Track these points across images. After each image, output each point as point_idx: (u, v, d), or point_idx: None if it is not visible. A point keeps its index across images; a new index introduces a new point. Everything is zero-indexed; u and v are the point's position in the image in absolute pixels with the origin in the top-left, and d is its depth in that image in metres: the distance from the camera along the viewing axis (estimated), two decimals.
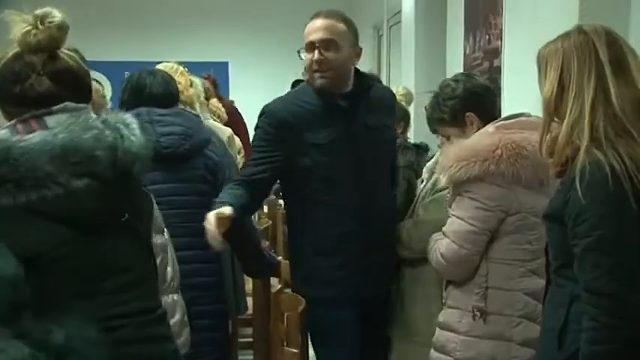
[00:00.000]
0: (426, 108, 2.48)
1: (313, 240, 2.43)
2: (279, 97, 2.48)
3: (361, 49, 2.46)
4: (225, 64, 8.31)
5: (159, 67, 2.97)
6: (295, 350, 2.14)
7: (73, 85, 1.60)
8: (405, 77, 5.53)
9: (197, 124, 2.65)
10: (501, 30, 3.64)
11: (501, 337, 2.17)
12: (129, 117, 1.62)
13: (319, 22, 2.38)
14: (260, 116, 2.41)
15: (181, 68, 3.11)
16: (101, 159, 1.48)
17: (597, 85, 1.61)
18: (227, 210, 2.14)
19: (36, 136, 1.44)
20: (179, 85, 2.88)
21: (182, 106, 2.82)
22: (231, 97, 7.95)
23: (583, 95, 1.61)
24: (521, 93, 2.50)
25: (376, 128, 2.43)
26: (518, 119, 2.23)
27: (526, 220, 2.14)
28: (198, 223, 2.16)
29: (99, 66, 4.40)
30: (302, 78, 4.80)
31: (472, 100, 2.29)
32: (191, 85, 3.19)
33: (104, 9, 7.52)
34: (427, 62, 5.16)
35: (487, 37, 3.89)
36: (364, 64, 8.12)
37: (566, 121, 1.63)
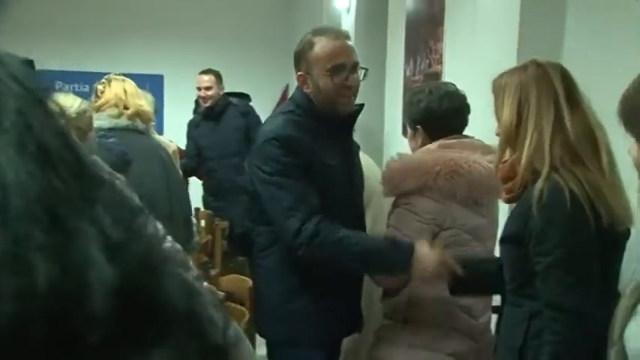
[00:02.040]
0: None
1: (304, 277, 2.25)
2: (277, 124, 2.24)
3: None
4: (161, 77, 8.20)
5: (105, 78, 2.95)
6: None
7: None
8: None
9: None
10: (441, 55, 3.74)
11: (430, 348, 2.23)
12: None
13: (348, 44, 2.27)
14: (269, 143, 2.15)
15: (128, 80, 3.08)
16: None
17: (555, 115, 1.73)
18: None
19: None
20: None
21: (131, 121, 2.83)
22: (166, 111, 7.91)
23: (542, 124, 1.72)
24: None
25: (356, 155, 2.42)
26: (460, 140, 2.31)
27: (459, 236, 2.23)
28: None
29: None
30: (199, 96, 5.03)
31: (426, 117, 2.35)
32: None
33: (39, 18, 7.34)
34: (366, 84, 5.23)
35: (427, 61, 3.98)
36: None
37: (526, 148, 1.72)
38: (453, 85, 2.46)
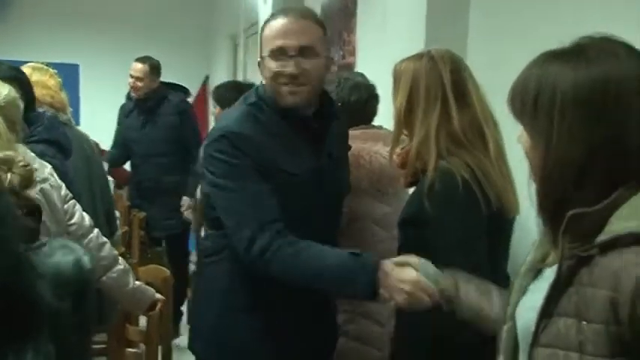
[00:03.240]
0: None
1: (255, 293, 1.93)
2: (233, 118, 1.93)
3: (333, 59, 2.12)
4: (76, 66, 7.95)
5: (26, 67, 2.84)
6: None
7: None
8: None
9: None
10: (354, 47, 3.79)
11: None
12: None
13: (294, 24, 1.86)
14: (218, 141, 1.87)
15: (51, 70, 2.99)
16: None
17: (441, 110, 1.78)
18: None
19: None
20: (48, 90, 2.80)
21: (53, 111, 2.74)
22: (81, 101, 7.68)
23: (429, 119, 1.77)
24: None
25: (340, 160, 2.03)
26: (364, 130, 2.34)
27: (367, 226, 2.26)
28: None
29: None
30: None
31: None
32: (61, 89, 3.07)
33: None
34: None
35: (342, 52, 4.03)
36: (220, 75, 8.11)
37: (415, 140, 1.78)
38: (362, 75, 2.49)
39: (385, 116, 2.35)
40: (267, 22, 1.93)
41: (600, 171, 1.08)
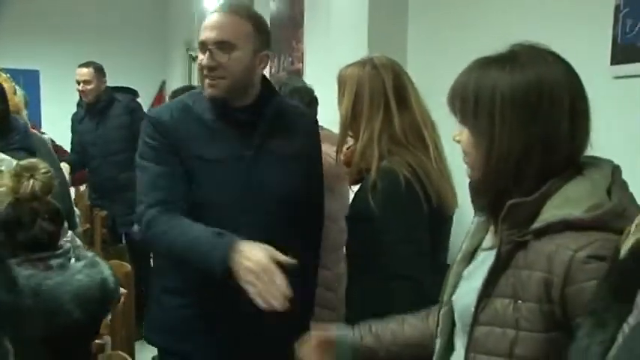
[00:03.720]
0: None
1: (172, 276, 1.89)
2: (164, 104, 2.01)
3: (268, 55, 1.88)
4: (37, 72, 7.76)
5: None
6: None
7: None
8: None
9: None
10: (302, 53, 3.83)
11: None
12: None
13: (215, 18, 1.80)
14: (144, 125, 1.88)
15: (4, 75, 2.94)
16: None
17: (384, 115, 1.80)
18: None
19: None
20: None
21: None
22: (42, 107, 7.49)
23: (373, 123, 1.79)
24: (321, 109, 2.65)
25: (279, 155, 1.87)
26: None
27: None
28: None
29: None
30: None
31: None
32: (14, 93, 3.02)
33: None
34: None
35: (290, 59, 4.06)
36: (176, 80, 7.99)
37: (359, 142, 1.80)
38: (301, 80, 2.49)
39: (327, 117, 2.37)
40: None
41: (536, 165, 1.11)
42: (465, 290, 1.24)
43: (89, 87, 4.44)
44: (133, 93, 4.81)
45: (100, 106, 4.46)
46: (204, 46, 1.78)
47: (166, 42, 8.27)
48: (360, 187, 1.85)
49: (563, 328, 1.07)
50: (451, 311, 1.30)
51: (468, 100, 1.15)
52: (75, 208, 3.52)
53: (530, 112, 1.11)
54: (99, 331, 2.06)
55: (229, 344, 1.84)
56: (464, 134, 1.19)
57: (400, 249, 1.70)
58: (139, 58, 7.80)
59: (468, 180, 1.24)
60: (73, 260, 1.90)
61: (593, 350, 0.65)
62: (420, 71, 2.76)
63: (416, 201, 1.71)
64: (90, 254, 1.99)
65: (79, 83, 4.47)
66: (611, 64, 1.88)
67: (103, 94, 4.47)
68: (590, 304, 0.93)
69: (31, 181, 1.79)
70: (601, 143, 1.18)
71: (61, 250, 1.85)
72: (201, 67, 1.80)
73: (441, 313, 1.33)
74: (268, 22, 4.35)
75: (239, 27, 1.79)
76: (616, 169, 1.15)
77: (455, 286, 1.30)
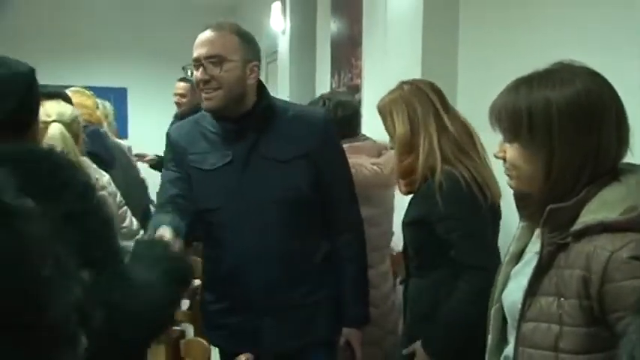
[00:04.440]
0: None
1: (206, 274, 1.99)
2: (185, 120, 2.08)
3: (258, 65, 1.85)
4: (124, 89, 7.93)
5: (68, 91, 2.91)
6: None
7: None
8: None
9: None
10: (361, 70, 3.83)
11: None
12: None
13: (205, 36, 1.81)
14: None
15: (87, 92, 3.05)
16: None
17: (437, 120, 1.82)
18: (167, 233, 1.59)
19: None
20: (87, 109, 2.85)
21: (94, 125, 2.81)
22: (130, 122, 7.70)
23: (429, 132, 1.82)
24: (378, 121, 2.65)
25: (276, 160, 1.83)
26: (351, 144, 2.31)
27: None
28: None
29: None
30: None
31: None
32: (97, 107, 3.15)
33: (7, 33, 7.05)
34: (299, 95, 5.27)
35: (350, 75, 4.07)
36: None
37: (421, 151, 1.81)
38: (346, 94, 2.49)
39: (379, 128, 2.36)
40: None
41: (589, 172, 1.12)
42: (513, 289, 1.25)
43: (184, 100, 4.57)
44: None
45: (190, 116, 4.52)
46: (197, 62, 1.80)
47: None
48: (417, 193, 1.85)
49: (602, 324, 1.07)
50: (502, 308, 1.30)
51: (519, 117, 1.14)
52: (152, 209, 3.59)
53: (586, 123, 1.10)
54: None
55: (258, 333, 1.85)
56: (511, 150, 1.18)
57: (468, 243, 1.72)
58: None
59: None
60: None
61: None
62: (469, 88, 2.73)
63: (476, 199, 1.74)
64: None
65: (175, 94, 4.59)
66: None
67: (195, 107, 4.54)
68: (638, 303, 0.92)
69: None
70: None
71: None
72: (197, 83, 1.81)
73: (493, 310, 1.33)
74: (329, 42, 4.43)
75: (227, 41, 1.79)
76: None
77: (504, 285, 1.30)
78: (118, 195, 2.28)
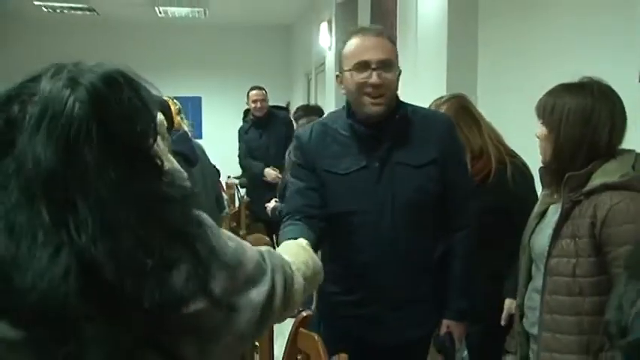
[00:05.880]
0: None
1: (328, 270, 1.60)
2: (309, 124, 1.77)
3: (400, 71, 1.63)
4: (199, 98, 8.04)
5: None
6: None
7: None
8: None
9: None
10: None
11: None
12: None
13: (374, 40, 1.59)
14: (292, 144, 1.77)
15: (171, 100, 3.10)
16: None
17: (477, 128, 1.94)
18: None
19: None
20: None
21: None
22: (204, 125, 7.78)
23: (483, 137, 1.94)
24: None
25: (411, 165, 1.62)
26: None
27: None
28: None
29: None
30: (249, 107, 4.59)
31: None
32: (179, 113, 3.21)
33: (88, 49, 7.23)
34: (343, 102, 5.30)
35: None
36: (297, 101, 8.15)
37: (485, 152, 1.92)
38: None
39: None
40: (346, 41, 1.63)
41: (585, 150, 1.36)
42: (541, 236, 1.46)
43: (264, 104, 4.52)
44: (286, 109, 4.89)
45: (264, 120, 4.53)
46: (367, 65, 1.56)
47: (290, 71, 8.47)
48: (492, 181, 1.88)
49: (601, 254, 1.32)
50: (529, 252, 1.52)
51: (547, 108, 1.41)
52: (223, 193, 3.69)
53: (584, 119, 1.36)
54: None
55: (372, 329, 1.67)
56: (541, 131, 1.43)
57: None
58: (270, 84, 7.95)
59: None
60: None
61: (628, 295, 0.70)
62: (487, 95, 2.73)
63: (533, 185, 1.88)
64: None
65: (254, 102, 4.52)
66: (639, 81, 1.83)
67: (267, 111, 4.56)
68: (627, 260, 1.00)
69: None
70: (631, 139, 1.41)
71: None
72: (363, 85, 1.56)
73: (523, 255, 1.54)
74: None
75: (391, 47, 1.61)
76: (638, 155, 1.38)
77: (531, 235, 1.51)
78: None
